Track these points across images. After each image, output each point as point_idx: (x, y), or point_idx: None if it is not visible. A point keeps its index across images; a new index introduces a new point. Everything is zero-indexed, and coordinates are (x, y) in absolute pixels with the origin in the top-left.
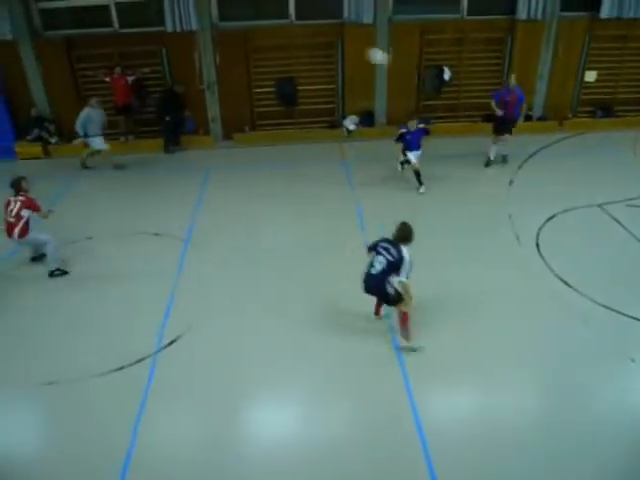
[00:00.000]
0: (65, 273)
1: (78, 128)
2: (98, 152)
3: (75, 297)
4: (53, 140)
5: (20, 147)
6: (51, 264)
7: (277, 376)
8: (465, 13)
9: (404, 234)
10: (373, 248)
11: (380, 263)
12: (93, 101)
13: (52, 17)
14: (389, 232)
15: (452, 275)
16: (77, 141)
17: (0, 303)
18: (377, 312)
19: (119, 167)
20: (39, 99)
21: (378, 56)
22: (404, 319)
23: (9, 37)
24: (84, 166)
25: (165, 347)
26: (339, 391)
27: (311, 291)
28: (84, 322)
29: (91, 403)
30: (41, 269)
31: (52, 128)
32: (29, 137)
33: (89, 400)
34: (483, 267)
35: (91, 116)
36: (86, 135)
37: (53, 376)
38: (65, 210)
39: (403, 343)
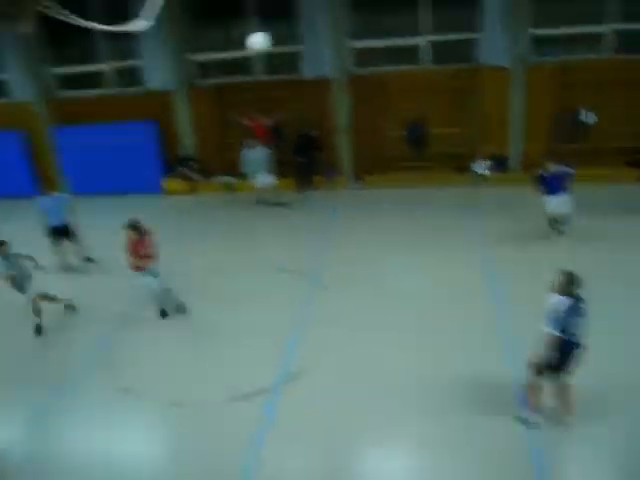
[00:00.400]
0: (165, 315)
1: (242, 168)
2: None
3: (202, 328)
4: (196, 178)
5: (166, 183)
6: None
7: (392, 423)
8: (610, 52)
9: (579, 282)
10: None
11: (582, 326)
12: (250, 142)
13: (203, 68)
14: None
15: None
16: (218, 179)
17: (136, 335)
18: (535, 402)
19: (280, 204)
20: (187, 140)
21: (257, 40)
22: (567, 390)
23: (168, 87)
24: (263, 202)
25: (286, 382)
26: (462, 453)
27: (433, 342)
28: (211, 352)
29: (210, 429)
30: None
31: (196, 167)
32: (175, 174)
33: (208, 425)
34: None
35: (251, 156)
36: (248, 174)
37: (179, 398)
38: (197, 242)
39: (566, 417)
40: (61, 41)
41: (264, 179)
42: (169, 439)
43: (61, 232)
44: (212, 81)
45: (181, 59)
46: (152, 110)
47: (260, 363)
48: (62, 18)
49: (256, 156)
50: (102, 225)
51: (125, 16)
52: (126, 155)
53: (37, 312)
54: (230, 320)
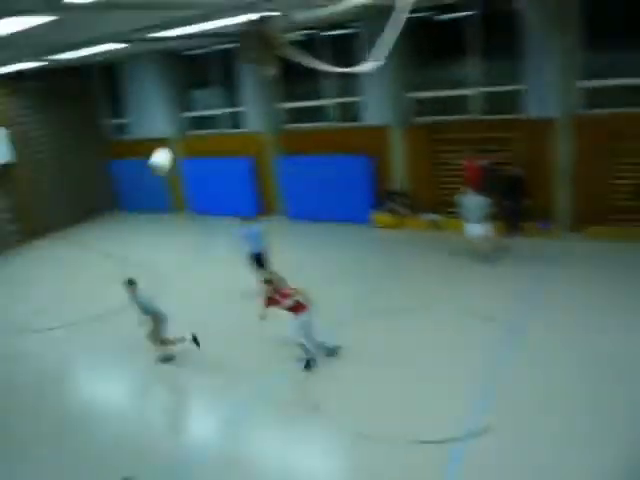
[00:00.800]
0: (309, 366)
1: (459, 213)
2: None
3: (393, 367)
4: (404, 213)
5: (375, 216)
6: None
7: None
8: None
9: None
10: None
11: None
12: (464, 189)
13: (420, 105)
14: None
15: None
16: (425, 216)
17: (326, 363)
18: None
19: (492, 254)
20: (398, 175)
21: (160, 157)
22: None
23: (385, 123)
24: (475, 251)
25: (472, 436)
26: None
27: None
28: (399, 391)
29: (391, 468)
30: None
31: (405, 202)
32: (384, 208)
33: (390, 464)
34: None
35: (466, 203)
36: (463, 221)
37: (365, 431)
38: (395, 277)
39: None
40: (290, 79)
41: (478, 230)
42: (348, 469)
43: (258, 259)
44: (427, 119)
45: (400, 97)
46: (368, 144)
47: (449, 409)
48: (300, 62)
49: (472, 203)
50: (311, 250)
51: (349, 55)
52: (340, 186)
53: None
54: (422, 361)
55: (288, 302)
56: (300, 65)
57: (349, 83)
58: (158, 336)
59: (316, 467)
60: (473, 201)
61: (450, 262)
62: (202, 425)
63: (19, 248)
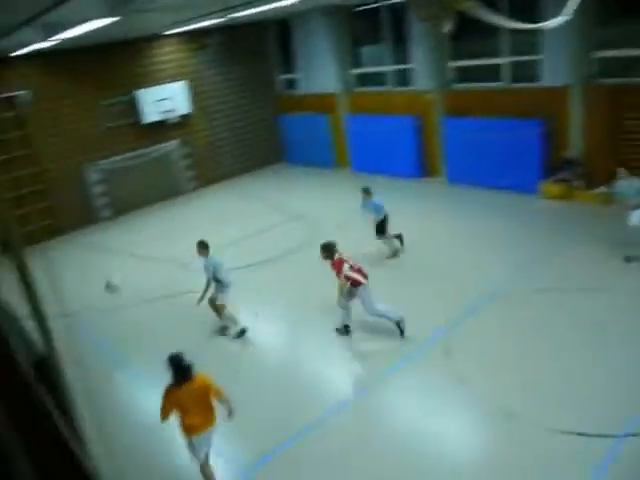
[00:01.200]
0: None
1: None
2: None
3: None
4: (577, 184)
5: (544, 186)
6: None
7: None
8: None
9: None
10: None
11: None
12: (622, 172)
13: (605, 65)
14: None
15: None
16: (599, 190)
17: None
18: None
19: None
20: (575, 142)
21: (113, 280)
22: None
23: (564, 83)
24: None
25: (628, 434)
26: None
27: None
28: (548, 380)
29: (527, 455)
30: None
31: (580, 172)
32: (554, 178)
33: (528, 450)
34: None
35: (621, 187)
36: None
37: (510, 409)
38: (555, 254)
39: None
40: (461, 35)
41: (636, 217)
42: (480, 444)
43: (379, 226)
44: (613, 80)
45: (583, 55)
46: (542, 107)
47: (606, 403)
48: (480, 17)
49: (628, 188)
50: (469, 217)
51: (529, 9)
52: (508, 151)
53: (229, 320)
54: (577, 347)
55: (344, 274)
56: (473, 20)
57: (526, 40)
58: (216, 302)
59: (452, 438)
60: (629, 185)
61: (621, 245)
62: (345, 389)
63: (195, 193)
